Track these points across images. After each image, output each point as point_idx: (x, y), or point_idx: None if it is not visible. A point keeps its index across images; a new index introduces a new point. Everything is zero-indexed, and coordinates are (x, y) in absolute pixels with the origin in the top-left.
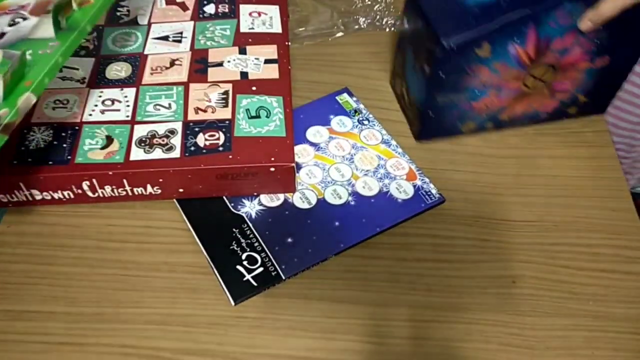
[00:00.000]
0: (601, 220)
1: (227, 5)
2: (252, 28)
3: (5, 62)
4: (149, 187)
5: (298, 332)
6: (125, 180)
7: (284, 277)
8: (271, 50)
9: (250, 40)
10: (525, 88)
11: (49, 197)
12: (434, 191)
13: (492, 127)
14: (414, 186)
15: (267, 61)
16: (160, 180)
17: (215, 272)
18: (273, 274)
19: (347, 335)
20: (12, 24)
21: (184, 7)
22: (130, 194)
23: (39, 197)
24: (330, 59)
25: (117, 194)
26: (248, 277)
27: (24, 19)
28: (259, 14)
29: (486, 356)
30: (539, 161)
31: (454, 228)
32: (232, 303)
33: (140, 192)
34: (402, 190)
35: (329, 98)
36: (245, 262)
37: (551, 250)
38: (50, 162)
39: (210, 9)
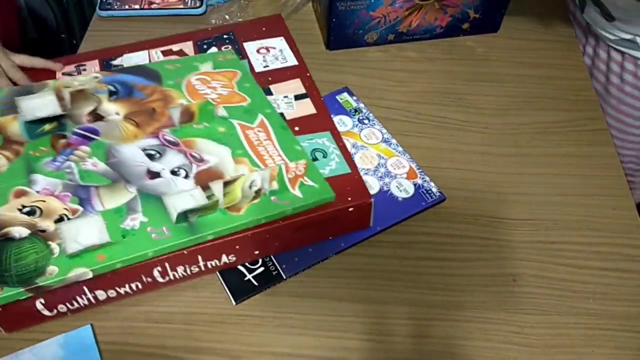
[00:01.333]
0: (601, 219)
1: (229, 46)
2: (267, 65)
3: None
4: (223, 257)
5: (298, 330)
6: (200, 256)
7: (284, 277)
8: (297, 85)
9: (270, 79)
10: (417, 0)
11: (114, 294)
12: (434, 189)
13: (393, 39)
14: (415, 185)
15: (297, 97)
16: (237, 247)
17: (216, 271)
18: (274, 273)
19: (347, 334)
20: (176, 171)
21: (182, 54)
22: (203, 269)
23: (103, 297)
24: (330, 59)
25: (189, 273)
26: (249, 276)
27: (187, 176)
28: (267, 49)
29: (486, 354)
30: (539, 160)
31: (455, 226)
32: (233, 302)
33: (214, 265)
34: (403, 189)
35: (329, 97)
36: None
37: (551, 248)
38: None
39: (212, 51)
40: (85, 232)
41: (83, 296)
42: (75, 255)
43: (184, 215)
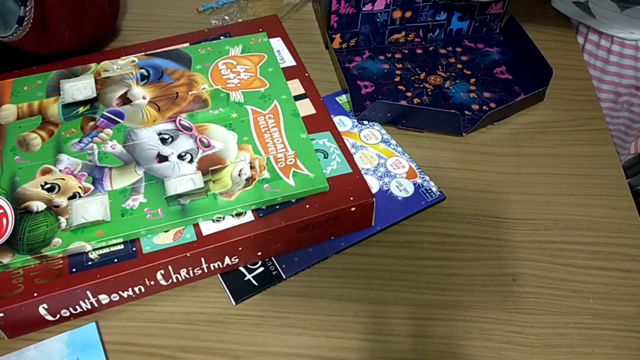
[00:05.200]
0: (601, 219)
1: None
2: None
3: (124, 190)
4: (226, 259)
5: (298, 330)
6: (203, 259)
7: (284, 276)
8: (296, 86)
9: None
10: None
11: (117, 298)
12: (434, 189)
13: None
14: (414, 184)
15: (296, 98)
16: (240, 248)
17: (219, 273)
18: (274, 273)
19: (347, 333)
20: (182, 155)
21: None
22: (206, 271)
23: (106, 301)
24: (329, 59)
25: (192, 275)
26: (249, 276)
27: (191, 160)
28: None
29: (486, 354)
30: (539, 159)
31: (455, 226)
32: (233, 302)
33: (217, 267)
34: (403, 189)
35: (329, 98)
36: None
37: (551, 248)
38: (116, 260)
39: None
40: (91, 209)
41: (86, 300)
42: (77, 230)
43: (175, 198)
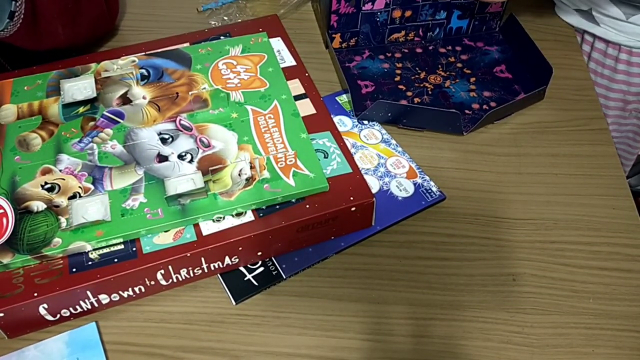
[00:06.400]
0: (601, 219)
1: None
2: None
3: (125, 190)
4: (226, 259)
5: (298, 330)
6: (203, 259)
7: (284, 276)
8: (296, 86)
9: None
10: None
11: (117, 298)
12: (434, 189)
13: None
14: (415, 184)
15: (296, 97)
16: (240, 248)
17: (219, 273)
18: (274, 273)
19: (347, 333)
20: (182, 155)
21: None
22: (206, 271)
23: (106, 301)
24: (329, 59)
25: (192, 275)
26: (249, 276)
27: (191, 160)
28: None
29: (486, 354)
30: (539, 159)
31: (455, 226)
32: (233, 302)
33: (217, 267)
34: (403, 189)
35: (329, 98)
36: None
37: (551, 248)
38: (116, 260)
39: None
40: (91, 209)
41: (86, 300)
42: (77, 230)
43: (175, 198)
